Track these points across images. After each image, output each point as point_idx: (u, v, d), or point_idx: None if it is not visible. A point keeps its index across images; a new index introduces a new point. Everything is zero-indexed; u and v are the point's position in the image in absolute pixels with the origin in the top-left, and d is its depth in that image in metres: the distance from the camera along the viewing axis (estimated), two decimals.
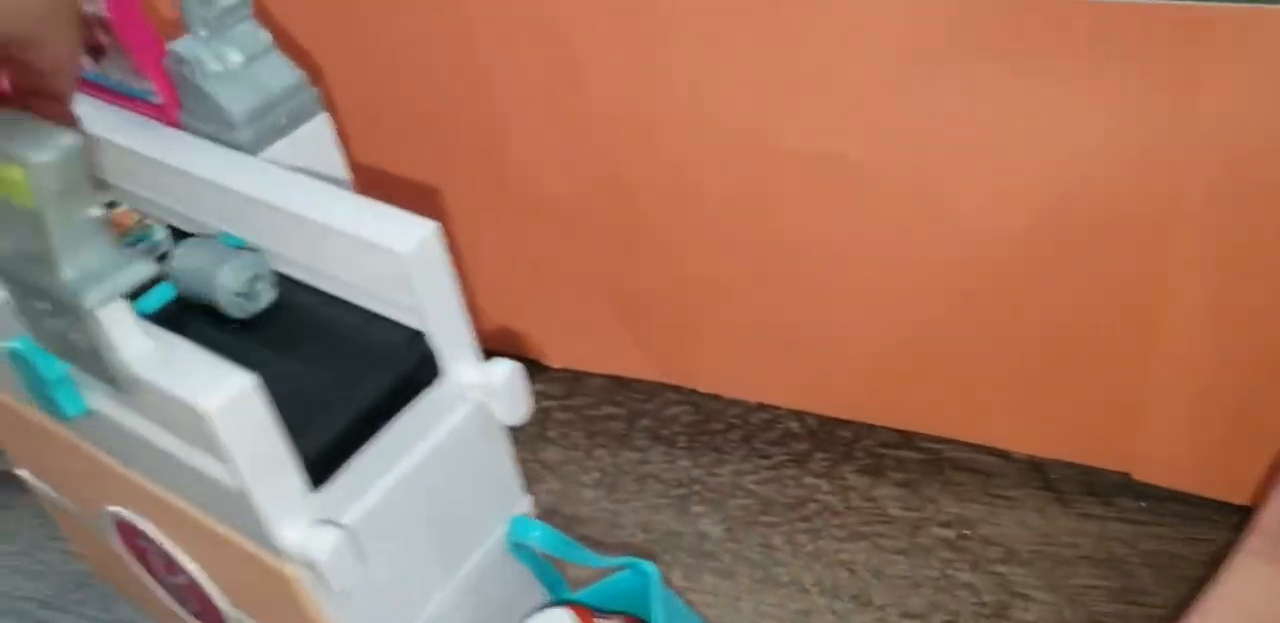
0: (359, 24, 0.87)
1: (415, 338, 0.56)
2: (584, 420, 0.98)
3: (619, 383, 1.01)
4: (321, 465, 0.54)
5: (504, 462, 0.65)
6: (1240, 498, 0.84)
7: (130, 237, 0.60)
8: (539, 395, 1.00)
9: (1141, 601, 0.79)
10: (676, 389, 0.99)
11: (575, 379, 1.02)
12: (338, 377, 0.55)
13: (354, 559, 0.54)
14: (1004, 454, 0.90)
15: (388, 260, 0.53)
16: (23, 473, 0.79)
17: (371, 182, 0.88)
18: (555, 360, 1.03)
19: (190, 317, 0.58)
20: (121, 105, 0.64)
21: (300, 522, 0.54)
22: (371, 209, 0.54)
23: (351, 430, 0.54)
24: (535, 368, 1.03)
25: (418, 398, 0.57)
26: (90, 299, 0.45)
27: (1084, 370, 0.83)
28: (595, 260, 0.94)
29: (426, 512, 0.60)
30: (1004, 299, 0.82)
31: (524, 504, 0.69)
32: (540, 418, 0.98)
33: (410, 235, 0.52)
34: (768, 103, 0.79)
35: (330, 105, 0.92)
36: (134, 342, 0.48)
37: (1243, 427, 0.81)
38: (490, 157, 0.91)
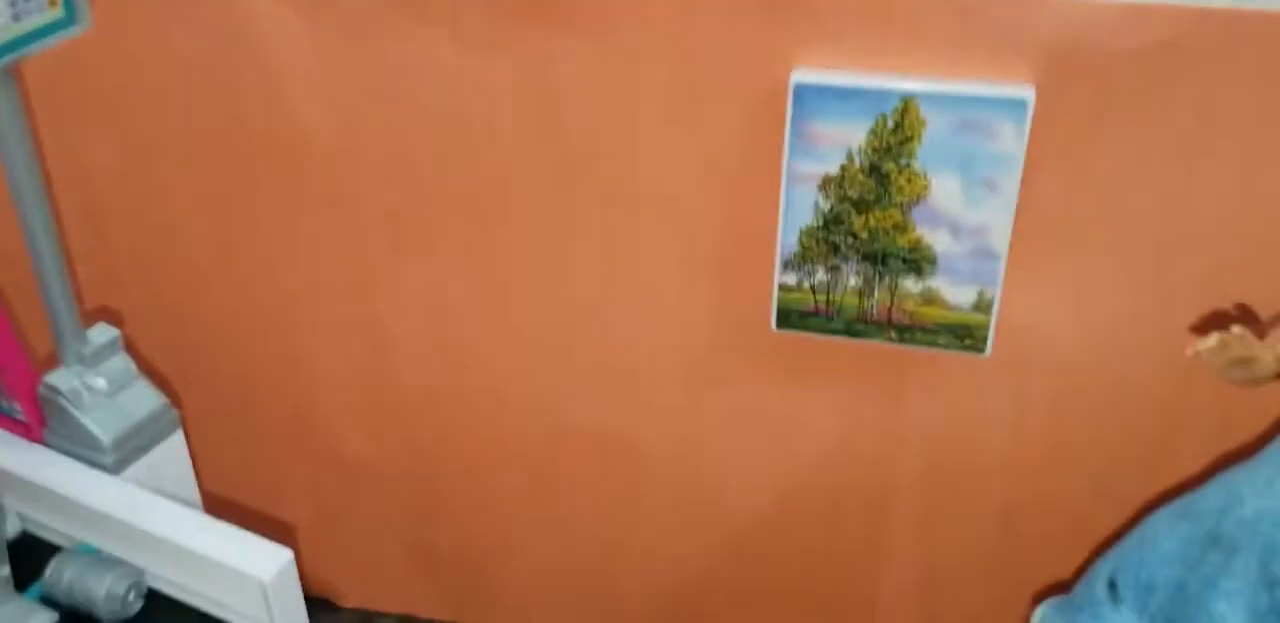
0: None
1: None
2: None
3: (409, 621, 1.08)
4: None
5: None
6: None
7: None
8: None
9: None
10: None
11: (367, 617, 1.08)
12: None
13: None
14: None
15: (248, 584, 0.61)
16: None
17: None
18: (349, 600, 1.10)
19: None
20: None
21: None
22: (233, 537, 0.63)
23: None
24: (328, 606, 1.09)
25: None
26: None
27: (824, 618, 0.97)
28: (392, 511, 1.03)
29: None
30: (763, 557, 0.96)
31: None
32: None
33: (270, 564, 0.61)
34: (555, 385, 0.91)
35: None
36: None
37: None
38: (300, 420, 0.99)
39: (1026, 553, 0.86)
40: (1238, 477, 0.70)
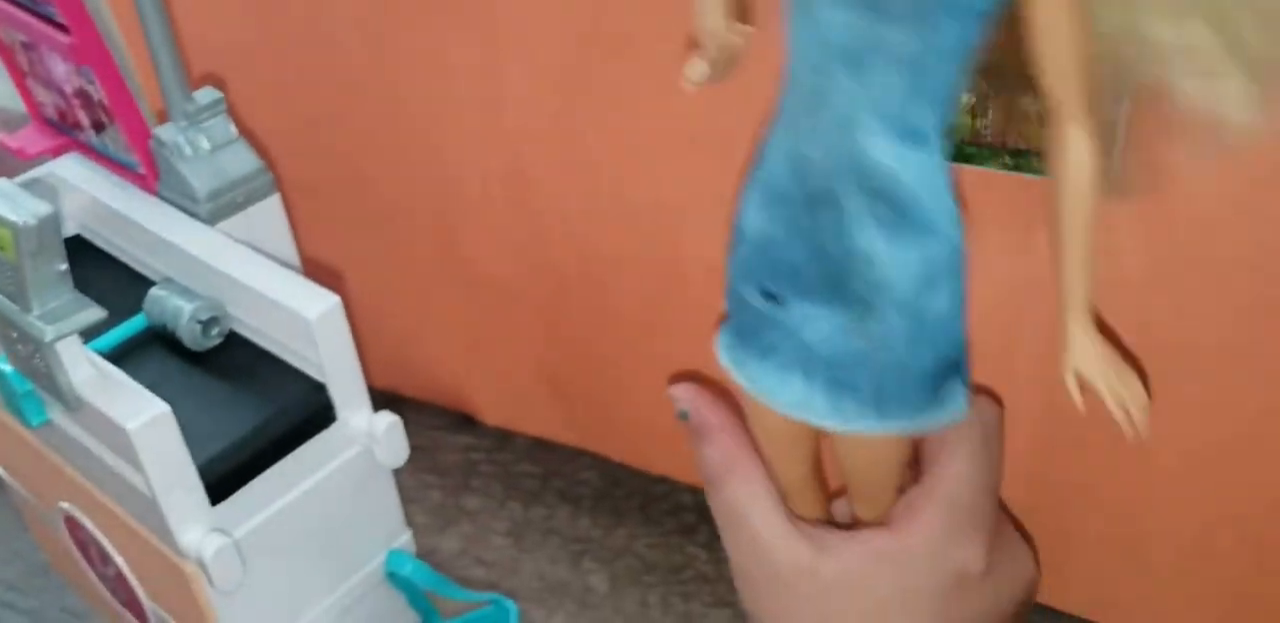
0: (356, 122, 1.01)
1: (317, 389, 0.68)
2: (505, 475, 1.09)
3: (542, 444, 1.12)
4: (221, 486, 0.66)
5: (387, 500, 0.77)
6: None
7: None
8: (469, 448, 1.12)
9: None
10: (592, 455, 1.10)
11: (504, 437, 1.13)
12: (250, 414, 0.67)
13: (237, 565, 0.66)
14: None
15: (297, 324, 0.65)
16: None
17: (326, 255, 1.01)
18: (489, 418, 1.15)
19: (153, 345, 0.70)
20: (114, 172, 0.77)
21: (197, 529, 0.65)
22: (291, 280, 0.67)
23: (250, 460, 0.67)
24: (471, 423, 1.14)
25: (313, 439, 0.69)
26: (50, 334, 0.58)
27: None
28: (527, 335, 1.06)
29: (310, 534, 0.72)
30: None
31: (403, 540, 0.80)
32: (466, 468, 1.10)
33: (316, 306, 0.65)
34: (674, 213, 0.91)
35: (303, 192, 1.06)
36: (80, 370, 0.61)
37: None
38: (445, 239, 1.04)
39: None
40: None
